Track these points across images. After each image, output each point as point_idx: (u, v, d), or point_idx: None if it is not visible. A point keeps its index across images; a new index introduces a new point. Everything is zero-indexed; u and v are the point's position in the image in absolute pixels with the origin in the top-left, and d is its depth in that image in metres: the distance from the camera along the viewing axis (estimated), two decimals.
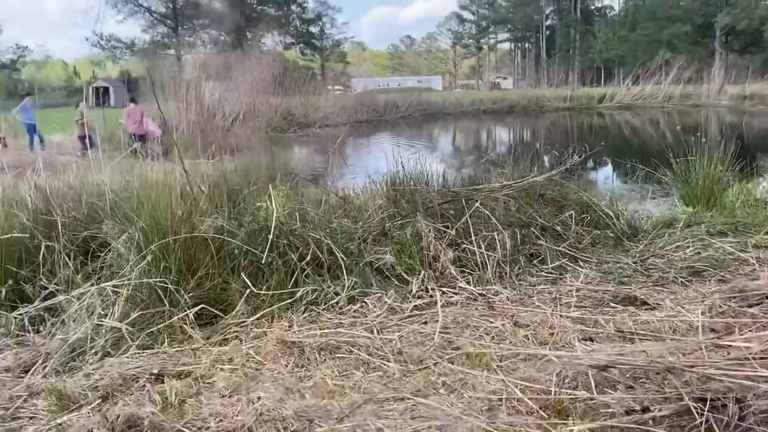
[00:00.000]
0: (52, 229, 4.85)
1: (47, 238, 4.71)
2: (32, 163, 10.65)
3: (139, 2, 39.05)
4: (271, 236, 3.94)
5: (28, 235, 4.61)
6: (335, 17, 59.80)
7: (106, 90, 52.36)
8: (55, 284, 4.52)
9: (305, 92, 31.47)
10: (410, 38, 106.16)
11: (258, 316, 3.87)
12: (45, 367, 3.71)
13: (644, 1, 65.70)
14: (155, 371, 3.38)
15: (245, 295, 3.94)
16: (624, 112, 37.24)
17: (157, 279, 3.87)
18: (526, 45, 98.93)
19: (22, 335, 4.22)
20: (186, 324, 3.85)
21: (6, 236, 4.54)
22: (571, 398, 2.72)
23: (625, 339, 3.40)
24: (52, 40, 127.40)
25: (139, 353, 3.67)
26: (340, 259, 4.23)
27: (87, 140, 14.53)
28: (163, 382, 3.26)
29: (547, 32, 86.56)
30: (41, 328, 4.32)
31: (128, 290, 3.86)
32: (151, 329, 3.78)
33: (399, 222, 4.80)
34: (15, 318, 4.29)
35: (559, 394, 2.75)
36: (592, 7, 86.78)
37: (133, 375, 3.36)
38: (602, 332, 3.53)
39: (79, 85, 58.46)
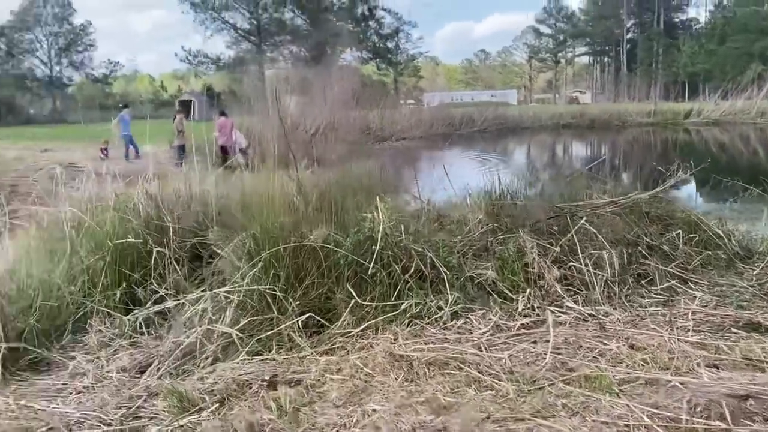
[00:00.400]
0: (163, 235, 5.04)
1: (158, 244, 4.90)
2: (137, 171, 11.17)
3: (225, 19, 40.68)
4: (377, 247, 3.94)
5: (141, 240, 4.80)
6: (410, 32, 60.22)
7: (190, 103, 54.43)
8: (165, 288, 4.70)
9: (380, 106, 31.74)
10: (485, 52, 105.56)
11: (363, 327, 3.88)
12: (159, 369, 3.85)
13: (734, 14, 62.98)
14: (267, 378, 3.43)
15: (350, 306, 3.96)
16: (712, 128, 35.64)
17: (267, 286, 3.94)
18: (605, 59, 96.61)
19: (135, 337, 4.40)
20: (294, 332, 3.90)
21: (120, 241, 4.75)
22: (705, 428, 2.57)
23: (755, 368, 3.20)
24: (139, 56, 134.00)
25: (248, 359, 3.75)
26: (442, 272, 4.19)
27: (183, 150, 15.14)
28: (275, 388, 3.30)
29: (628, 46, 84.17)
30: (152, 331, 4.51)
31: (239, 296, 3.95)
32: (260, 336, 3.85)
33: (500, 237, 4.72)
34: (128, 320, 4.47)
35: (692, 423, 2.61)
36: (676, 20, 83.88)
37: (246, 381, 3.43)
38: (727, 359, 3.34)
39: (166, 98, 61.13)
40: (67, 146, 21.35)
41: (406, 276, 4.08)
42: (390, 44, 53.52)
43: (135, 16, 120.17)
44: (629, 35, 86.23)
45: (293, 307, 3.96)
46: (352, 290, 4.01)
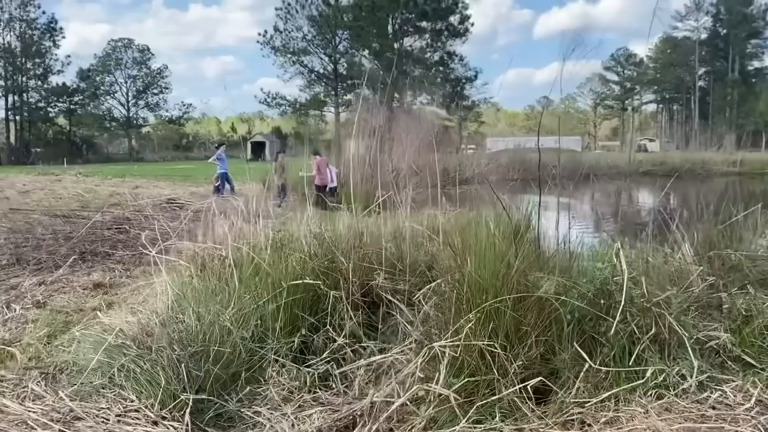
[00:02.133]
0: (332, 277, 4.64)
1: (331, 287, 4.49)
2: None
3: (304, 63, 41.53)
4: (623, 302, 3.39)
5: (320, 281, 4.40)
6: (476, 78, 60.11)
7: (262, 144, 55.72)
8: (343, 337, 4.27)
9: (453, 151, 31.38)
10: (547, 99, 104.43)
11: (602, 397, 3.30)
12: None
13: None
14: None
15: (584, 370, 3.40)
16: None
17: (485, 342, 3.43)
18: (674, 106, 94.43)
19: (314, 390, 3.96)
20: (517, 397, 3.37)
21: (297, 282, 4.36)
22: None
23: None
24: (206, 99, 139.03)
25: (470, 428, 3.23)
26: (681, 334, 3.60)
27: (284, 190, 15.11)
28: None
29: (699, 93, 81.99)
30: (333, 384, 4.05)
31: (452, 353, 3.45)
32: (481, 401, 3.32)
33: (727, 293, 4.09)
34: (307, 372, 4.04)
35: None
36: (751, 68, 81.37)
37: None
38: None
39: (235, 139, 62.58)
40: (155, 183, 21.74)
41: (646, 338, 3.50)
42: (458, 90, 53.50)
43: (207, 62, 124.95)
44: (700, 83, 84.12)
45: (515, 369, 3.43)
46: (581, 351, 3.45)
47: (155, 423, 3.32)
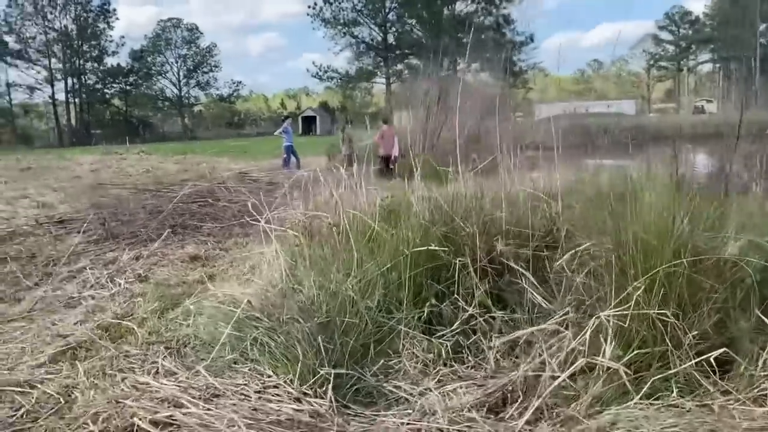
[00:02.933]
0: (451, 243, 4.34)
1: (455, 254, 4.20)
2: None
3: (354, 34, 40.91)
4: None
5: (445, 248, 4.12)
6: (531, 42, 58.14)
7: (312, 119, 55.66)
8: (473, 306, 3.99)
9: (503, 118, 30.55)
10: (598, 62, 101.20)
11: None
12: (523, 409, 3.08)
13: None
14: None
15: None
16: None
17: (656, 311, 3.09)
18: (732, 66, 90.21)
19: (450, 363, 3.71)
20: (695, 370, 3.02)
21: (421, 248, 4.08)
22: None
23: None
24: (254, 76, 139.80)
25: (644, 404, 2.90)
26: None
27: (351, 160, 14.93)
28: None
29: (760, 51, 78.01)
30: (468, 357, 3.79)
31: (620, 322, 3.12)
32: (656, 375, 2.99)
33: None
34: (441, 343, 3.78)
35: None
36: None
37: None
38: None
39: (286, 115, 62.67)
40: (216, 159, 21.82)
41: None
42: (513, 55, 51.97)
43: (250, 39, 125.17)
44: (762, 39, 79.99)
45: (690, 339, 3.08)
46: (765, 318, 3.07)
47: (298, 400, 3.11)
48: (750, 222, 3.44)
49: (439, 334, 3.92)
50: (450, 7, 41.16)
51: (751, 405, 2.85)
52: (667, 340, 3.08)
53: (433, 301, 3.99)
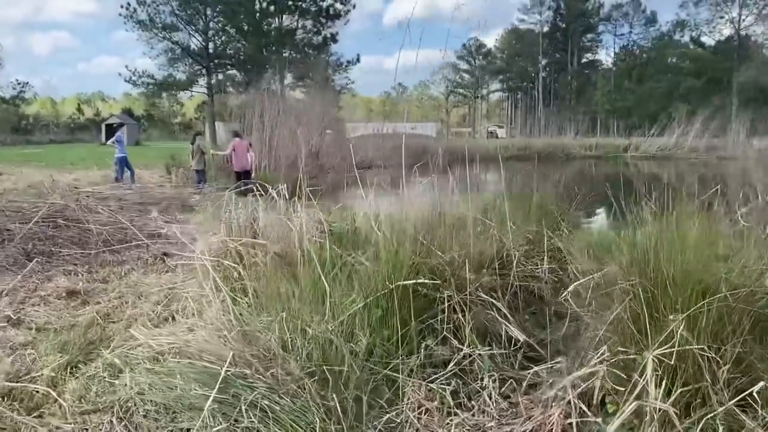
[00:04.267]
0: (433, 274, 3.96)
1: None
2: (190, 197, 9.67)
3: (173, 39, 38.09)
4: None
5: (437, 281, 3.71)
6: (357, 62, 58.88)
7: (118, 126, 51.16)
8: (467, 345, 3.63)
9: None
10: (402, 86, 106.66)
11: None
12: None
13: (641, 57, 67.53)
14: None
15: None
16: (650, 161, 37.25)
17: (697, 346, 2.99)
18: (519, 95, 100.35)
19: (453, 412, 3.32)
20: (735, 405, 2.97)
21: (410, 282, 3.64)
22: None
23: None
24: (38, 77, 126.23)
25: None
26: None
27: (203, 175, 13.78)
28: None
29: (542, 83, 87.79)
30: (473, 403, 3.42)
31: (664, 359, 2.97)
32: (701, 414, 2.89)
33: None
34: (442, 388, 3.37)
35: None
36: (584, 61, 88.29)
37: None
38: None
39: (84, 121, 56.96)
40: (17, 168, 18.92)
41: None
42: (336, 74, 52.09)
43: (36, 37, 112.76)
44: (543, 73, 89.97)
45: (724, 373, 3.02)
46: None
47: None
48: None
49: (434, 377, 3.52)
50: (277, 20, 40.36)
51: None
52: (707, 377, 3.00)
53: (428, 341, 3.57)
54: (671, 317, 3.04)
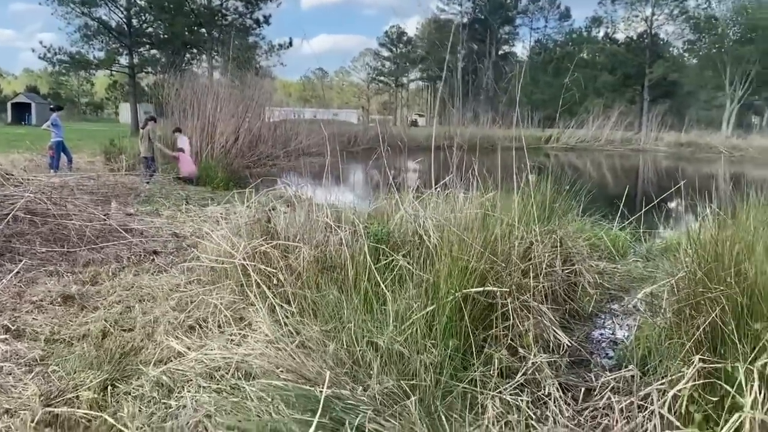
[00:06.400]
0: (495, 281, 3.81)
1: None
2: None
3: (93, 15, 35.52)
4: None
5: (505, 289, 3.57)
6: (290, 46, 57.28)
7: (26, 106, 47.80)
8: (534, 354, 3.53)
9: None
10: (323, 71, 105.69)
11: None
12: None
13: (555, 50, 69.98)
14: None
15: None
16: (569, 153, 38.66)
17: None
18: (438, 84, 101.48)
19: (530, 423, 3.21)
20: None
21: (476, 290, 3.48)
22: None
23: None
24: None
25: None
26: None
27: (152, 162, 12.89)
28: None
29: (462, 74, 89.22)
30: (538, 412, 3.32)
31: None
32: None
33: None
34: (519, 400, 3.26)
35: None
36: (501, 52, 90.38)
37: None
38: None
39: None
40: None
41: None
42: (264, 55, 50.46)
43: None
44: (462, 64, 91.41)
45: None
46: None
47: None
48: None
49: (502, 388, 3.40)
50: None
51: None
52: None
53: (501, 354, 3.43)
54: (759, 325, 3.06)
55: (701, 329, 3.06)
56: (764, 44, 47.70)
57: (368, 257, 3.66)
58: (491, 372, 3.35)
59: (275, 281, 3.87)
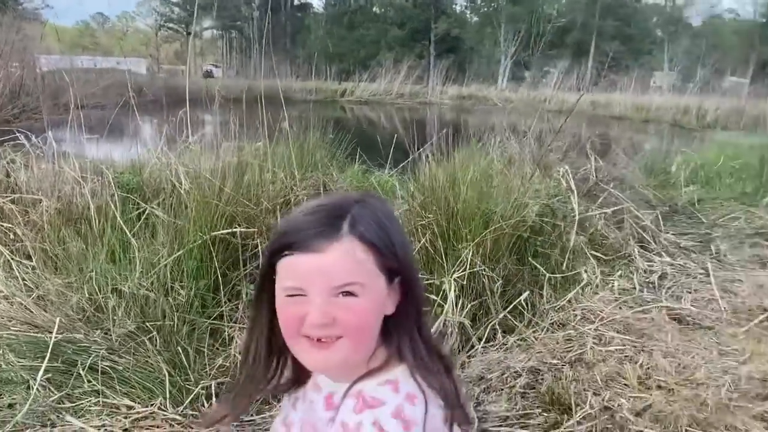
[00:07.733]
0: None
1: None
2: None
3: None
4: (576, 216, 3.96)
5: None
6: None
7: None
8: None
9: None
10: (103, 16, 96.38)
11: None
12: None
13: (351, 3, 71.20)
14: None
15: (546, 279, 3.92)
16: (363, 106, 40.02)
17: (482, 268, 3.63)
18: (233, 34, 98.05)
19: None
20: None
21: (224, 232, 3.65)
22: None
23: None
24: None
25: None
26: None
27: None
28: None
29: (257, 24, 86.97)
30: None
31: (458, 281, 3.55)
32: (488, 323, 3.56)
33: None
34: None
35: None
36: (297, 3, 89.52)
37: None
38: None
39: None
40: None
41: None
42: None
43: None
44: (256, 13, 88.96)
45: (498, 289, 3.74)
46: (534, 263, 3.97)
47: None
48: None
49: None
50: None
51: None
52: (487, 292, 3.67)
53: (249, 288, 3.67)
54: (461, 246, 3.65)
55: (417, 251, 3.57)
56: (531, 5, 52.87)
57: (113, 207, 3.66)
58: (239, 306, 3.58)
59: (12, 236, 3.71)
